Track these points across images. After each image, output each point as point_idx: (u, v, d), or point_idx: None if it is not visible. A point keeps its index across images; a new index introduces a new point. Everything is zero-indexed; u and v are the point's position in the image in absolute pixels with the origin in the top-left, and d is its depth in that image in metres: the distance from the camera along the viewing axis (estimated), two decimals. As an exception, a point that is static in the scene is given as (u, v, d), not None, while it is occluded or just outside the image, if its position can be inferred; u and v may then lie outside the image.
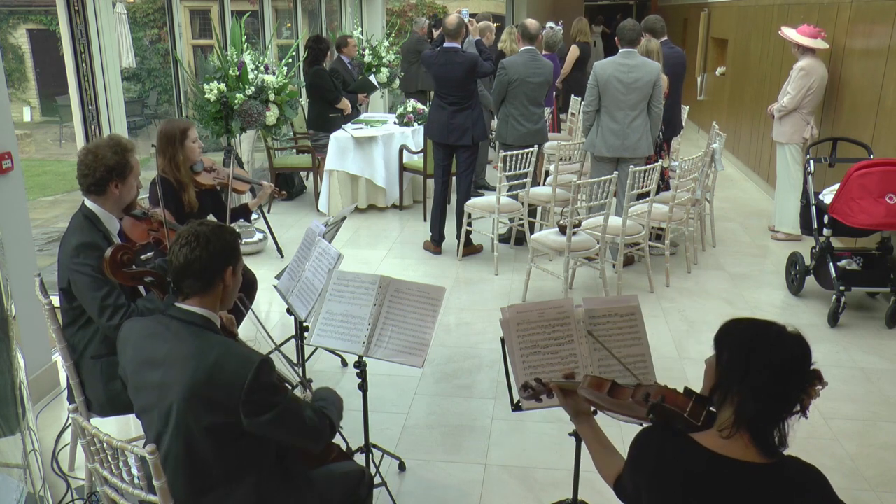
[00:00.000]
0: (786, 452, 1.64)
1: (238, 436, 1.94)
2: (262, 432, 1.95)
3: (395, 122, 7.37)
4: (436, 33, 6.81)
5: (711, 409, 1.66)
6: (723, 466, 1.57)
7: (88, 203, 2.75)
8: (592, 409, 2.00)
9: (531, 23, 5.78)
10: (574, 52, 8.79)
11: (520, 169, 5.56)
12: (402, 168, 7.06)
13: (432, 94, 6.28)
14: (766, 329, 1.61)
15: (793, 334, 1.59)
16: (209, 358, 1.91)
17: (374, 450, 2.99)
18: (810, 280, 4.91)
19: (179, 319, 2.01)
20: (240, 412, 1.88)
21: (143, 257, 2.85)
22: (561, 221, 4.80)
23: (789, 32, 5.84)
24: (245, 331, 4.16)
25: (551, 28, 7.93)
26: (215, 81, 5.82)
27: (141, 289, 2.85)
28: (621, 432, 1.95)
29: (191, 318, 2.00)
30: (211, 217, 3.85)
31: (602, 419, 1.98)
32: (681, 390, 1.71)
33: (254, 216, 6.00)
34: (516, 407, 2.37)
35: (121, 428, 3.35)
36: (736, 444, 1.58)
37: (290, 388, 2.10)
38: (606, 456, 1.87)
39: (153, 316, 2.12)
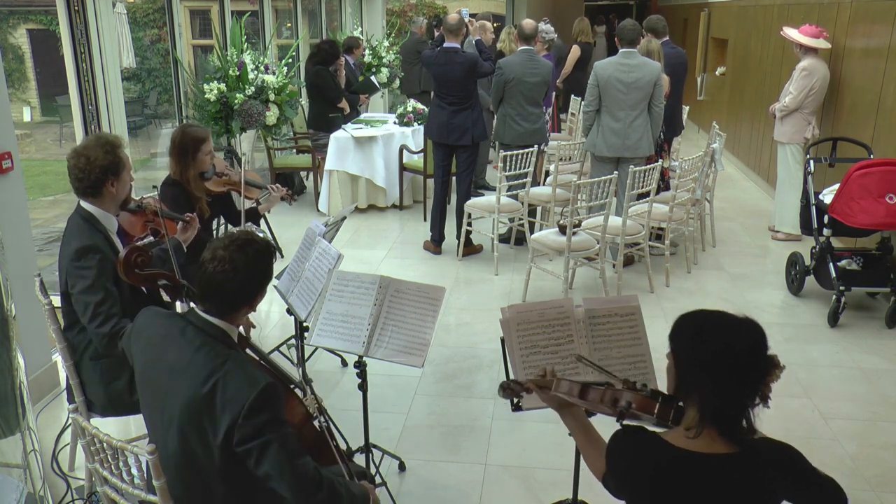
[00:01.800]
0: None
1: (232, 451, 1.88)
2: (247, 459, 1.85)
3: (395, 122, 7.37)
4: (436, 33, 6.80)
5: (680, 404, 1.69)
6: (694, 463, 1.59)
7: (84, 205, 2.72)
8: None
9: (528, 23, 5.79)
10: (575, 51, 8.80)
11: (520, 169, 5.56)
12: (402, 168, 7.06)
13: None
14: (716, 320, 1.63)
15: (744, 321, 1.60)
16: (216, 374, 1.86)
17: (374, 450, 2.99)
18: (810, 280, 4.90)
19: (196, 326, 1.96)
20: (234, 433, 1.83)
21: (141, 243, 2.84)
22: (561, 221, 4.80)
23: (791, 32, 5.84)
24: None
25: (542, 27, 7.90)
26: (215, 81, 5.82)
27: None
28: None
29: (208, 329, 1.96)
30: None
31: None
32: (647, 391, 1.73)
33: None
34: (516, 407, 2.36)
35: (121, 428, 3.35)
36: (704, 441, 1.60)
37: (288, 429, 1.93)
38: (592, 449, 1.87)
39: (171, 314, 2.09)
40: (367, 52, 9.02)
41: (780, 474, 1.61)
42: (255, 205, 3.93)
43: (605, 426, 1.86)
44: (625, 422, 1.72)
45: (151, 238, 3.13)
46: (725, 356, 1.56)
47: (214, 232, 4.19)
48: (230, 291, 1.94)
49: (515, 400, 2.18)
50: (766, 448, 1.64)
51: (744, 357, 1.56)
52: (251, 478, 1.93)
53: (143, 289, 2.85)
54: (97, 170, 2.66)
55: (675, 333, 1.67)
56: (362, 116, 7.84)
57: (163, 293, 2.77)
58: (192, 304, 2.03)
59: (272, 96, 6.04)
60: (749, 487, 1.60)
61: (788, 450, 1.66)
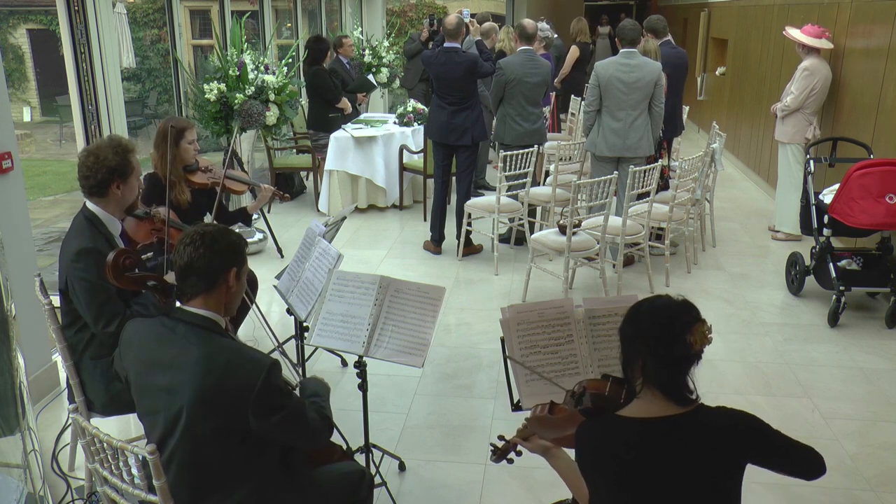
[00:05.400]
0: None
1: (243, 438, 1.94)
2: (268, 434, 1.96)
3: (395, 122, 7.37)
4: (430, 28, 6.79)
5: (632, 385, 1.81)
6: (648, 427, 1.71)
7: (90, 205, 2.74)
8: None
9: (528, 23, 5.79)
10: (574, 52, 8.80)
11: (520, 169, 5.56)
12: (402, 168, 7.06)
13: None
14: (643, 300, 1.84)
15: (665, 296, 1.81)
16: (219, 362, 1.90)
17: (374, 450, 2.99)
18: (810, 280, 4.90)
19: (185, 322, 2.00)
20: (248, 414, 1.89)
21: (143, 257, 2.84)
22: (561, 221, 4.80)
23: (793, 32, 5.83)
24: (244, 331, 4.16)
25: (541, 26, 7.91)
26: (215, 81, 5.81)
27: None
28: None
29: (196, 321, 1.99)
30: (207, 218, 3.82)
31: None
32: (599, 377, 1.91)
33: (254, 216, 6.00)
34: (516, 407, 2.37)
35: (121, 428, 3.35)
36: (654, 405, 1.73)
37: (292, 388, 2.12)
38: (582, 485, 1.89)
39: (157, 318, 2.10)
40: (367, 52, 9.02)
41: (737, 438, 1.71)
42: (248, 199, 3.90)
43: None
44: (582, 408, 1.86)
45: (150, 253, 3.12)
46: (650, 324, 1.75)
47: None
48: (201, 259, 1.99)
49: (510, 457, 2.23)
50: (719, 413, 1.75)
51: (664, 321, 1.73)
52: (256, 471, 1.99)
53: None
54: (104, 169, 2.68)
55: (623, 319, 1.84)
56: (362, 116, 7.83)
57: (154, 294, 2.76)
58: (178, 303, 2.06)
59: (272, 96, 6.02)
60: (702, 444, 1.69)
61: (746, 417, 1.75)
